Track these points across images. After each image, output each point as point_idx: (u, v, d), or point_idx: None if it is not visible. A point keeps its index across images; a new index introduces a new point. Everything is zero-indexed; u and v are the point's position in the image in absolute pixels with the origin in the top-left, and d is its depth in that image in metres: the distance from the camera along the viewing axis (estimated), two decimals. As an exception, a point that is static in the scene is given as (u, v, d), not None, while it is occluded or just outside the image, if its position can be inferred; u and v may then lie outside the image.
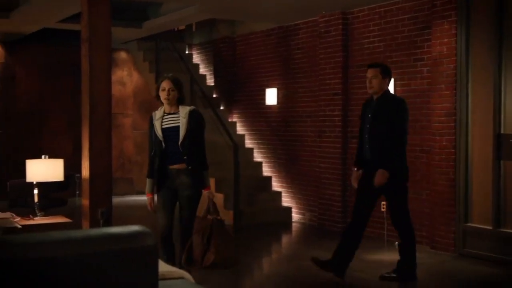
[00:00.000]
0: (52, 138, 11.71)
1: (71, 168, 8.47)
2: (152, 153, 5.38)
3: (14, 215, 6.12)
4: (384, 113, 5.69)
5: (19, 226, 5.70)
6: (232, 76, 11.19)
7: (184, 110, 5.30)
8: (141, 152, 12.29)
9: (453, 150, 7.07)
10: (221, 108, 11.24)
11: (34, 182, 6.27)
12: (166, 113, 5.34)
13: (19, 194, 7.82)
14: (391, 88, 7.85)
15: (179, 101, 5.34)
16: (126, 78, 12.46)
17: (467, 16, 6.98)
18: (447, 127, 7.14)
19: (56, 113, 11.81)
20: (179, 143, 5.22)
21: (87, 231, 2.34)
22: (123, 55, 12.46)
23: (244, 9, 8.91)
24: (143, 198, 7.42)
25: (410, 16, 7.74)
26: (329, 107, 8.84)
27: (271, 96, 10.20)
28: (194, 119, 5.28)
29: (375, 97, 5.80)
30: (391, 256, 6.84)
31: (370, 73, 5.77)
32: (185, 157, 5.22)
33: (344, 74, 8.63)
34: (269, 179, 10.22)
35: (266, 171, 10.38)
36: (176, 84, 5.30)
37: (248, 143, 10.79)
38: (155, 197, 5.45)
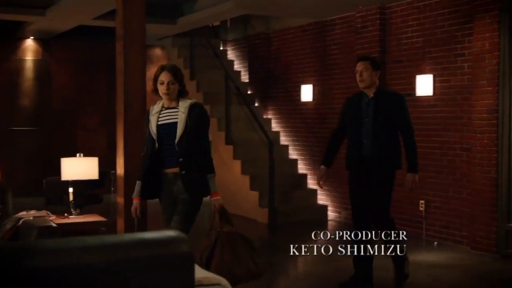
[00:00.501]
0: (86, 135, 11.78)
1: (106, 165, 8.47)
2: (143, 154, 4.75)
3: (49, 213, 6.13)
4: (385, 107, 5.53)
5: (55, 225, 5.69)
6: (267, 72, 11.09)
7: (184, 104, 4.63)
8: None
9: (495, 148, 6.87)
10: (256, 104, 11.15)
11: (70, 180, 6.26)
12: (164, 107, 4.71)
13: (55, 191, 7.84)
14: (430, 83, 7.70)
15: (180, 94, 4.70)
16: (160, 74, 12.45)
17: (510, 10, 6.76)
18: (488, 124, 6.93)
19: (91, 110, 11.87)
20: (176, 141, 4.55)
21: (120, 236, 2.28)
22: (157, 51, 12.47)
23: (279, 4, 8.81)
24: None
25: (450, 10, 7.54)
26: (366, 104, 8.68)
27: (307, 93, 10.08)
28: (195, 114, 4.59)
29: (369, 92, 5.61)
30: (430, 257, 6.69)
31: (360, 66, 5.62)
32: (180, 159, 4.55)
33: (381, 70, 8.44)
34: (304, 176, 10.10)
35: (302, 168, 10.27)
36: (176, 75, 4.64)
37: (283, 140, 10.69)
38: (143, 203, 4.79)
